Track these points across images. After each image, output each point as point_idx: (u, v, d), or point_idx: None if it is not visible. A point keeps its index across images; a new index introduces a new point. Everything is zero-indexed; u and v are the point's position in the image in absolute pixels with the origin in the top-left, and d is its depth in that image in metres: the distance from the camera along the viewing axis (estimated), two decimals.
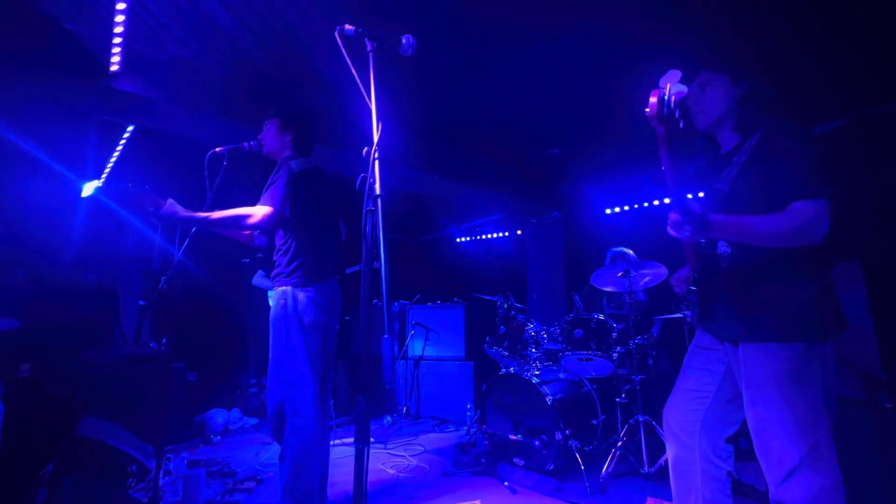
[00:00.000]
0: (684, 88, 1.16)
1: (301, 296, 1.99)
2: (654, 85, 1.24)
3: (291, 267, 2.02)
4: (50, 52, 2.09)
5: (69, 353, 3.13)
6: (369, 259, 1.06)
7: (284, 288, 2.02)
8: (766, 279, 1.34)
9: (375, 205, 1.09)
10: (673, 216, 1.28)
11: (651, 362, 3.06)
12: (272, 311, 2.04)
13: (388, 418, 4.27)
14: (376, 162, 1.10)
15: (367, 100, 1.20)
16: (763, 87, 1.44)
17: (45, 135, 2.57)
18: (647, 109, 1.18)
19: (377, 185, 1.09)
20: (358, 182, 1.11)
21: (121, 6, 1.86)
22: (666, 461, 2.61)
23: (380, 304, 5.09)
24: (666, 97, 1.15)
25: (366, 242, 1.06)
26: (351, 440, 3.75)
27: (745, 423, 1.52)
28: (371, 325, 5.01)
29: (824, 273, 1.32)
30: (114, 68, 2.14)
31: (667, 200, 4.34)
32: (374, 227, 1.08)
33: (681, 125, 1.17)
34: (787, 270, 1.32)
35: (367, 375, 1.16)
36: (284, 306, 1.99)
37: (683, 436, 1.53)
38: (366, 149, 1.13)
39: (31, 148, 2.62)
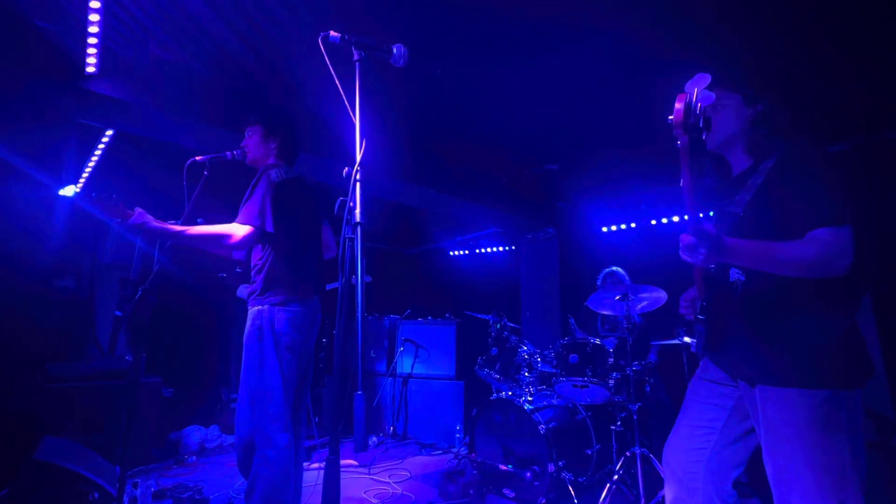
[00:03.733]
0: (712, 95, 1.03)
1: (278, 316, 1.86)
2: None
3: (268, 285, 1.89)
4: (21, 49, 1.96)
5: (34, 365, 2.95)
6: (346, 297, 0.94)
7: (260, 308, 1.88)
8: (784, 313, 1.24)
9: (355, 233, 0.97)
10: (686, 238, 1.16)
11: (648, 389, 2.94)
12: (245, 332, 1.90)
13: (374, 439, 4.11)
14: (358, 184, 0.98)
15: (352, 114, 1.08)
16: (778, 110, 1.35)
17: (18, 137, 2.44)
18: (671, 116, 1.04)
19: (357, 212, 0.96)
20: (336, 206, 0.99)
21: (95, 4, 1.74)
22: (664, 497, 2.49)
23: (369, 318, 4.96)
24: (693, 103, 1.03)
25: (343, 272, 0.94)
26: None
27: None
28: (357, 343, 4.88)
29: (850, 311, 1.22)
30: (90, 70, 2.01)
31: (665, 220, 4.26)
32: (353, 256, 0.96)
33: (703, 136, 1.05)
34: (807, 305, 1.21)
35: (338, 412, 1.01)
36: (259, 328, 1.85)
37: (685, 477, 1.41)
38: (346, 169, 1.01)
39: (4, 150, 2.48)
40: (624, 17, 2.17)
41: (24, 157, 2.46)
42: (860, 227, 1.18)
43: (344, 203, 0.97)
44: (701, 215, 1.16)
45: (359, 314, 0.92)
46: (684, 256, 1.21)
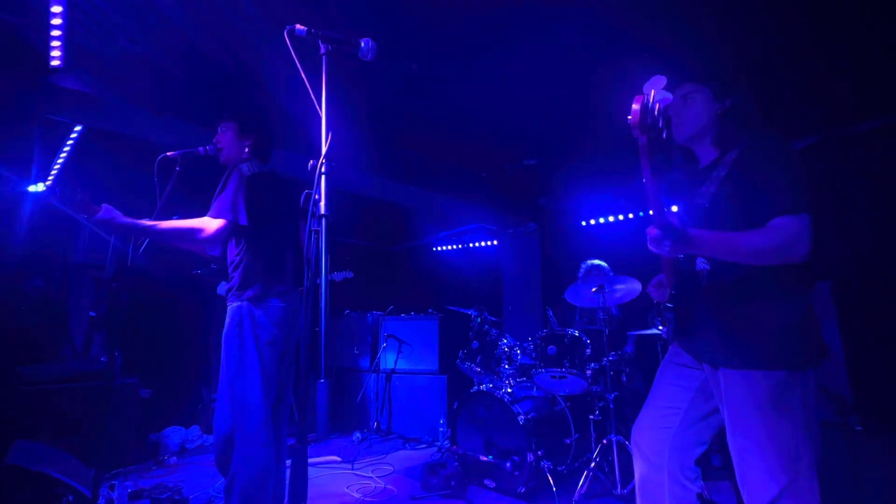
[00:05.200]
0: (669, 96, 1.08)
1: (256, 312, 1.85)
2: (635, 94, 1.16)
3: (245, 281, 1.88)
4: None
5: (5, 368, 2.88)
6: (313, 282, 0.94)
7: (239, 303, 1.87)
8: (746, 299, 1.30)
9: (320, 225, 0.97)
10: (652, 231, 1.22)
11: (625, 379, 3.01)
12: (225, 329, 1.89)
13: (358, 434, 4.11)
14: (323, 177, 0.99)
15: (318, 108, 1.08)
16: (746, 104, 1.40)
17: None
18: (630, 117, 1.08)
19: (322, 204, 0.97)
20: (302, 199, 1.00)
21: None
22: None
23: (352, 314, 4.96)
24: (650, 104, 1.07)
25: (309, 265, 0.95)
26: (317, 459, 3.57)
27: (717, 440, 1.47)
28: (339, 336, 4.86)
29: (807, 296, 1.28)
30: (55, 63, 1.96)
31: (641, 214, 4.35)
32: (318, 249, 0.97)
33: (664, 135, 1.09)
34: (768, 291, 1.27)
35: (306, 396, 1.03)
36: (238, 324, 1.84)
37: (652, 455, 1.47)
38: (311, 162, 1.02)
39: None
40: (598, 11, 2.20)
41: None
42: (821, 217, 1.24)
43: (310, 195, 0.98)
44: (669, 209, 1.21)
45: (322, 304, 0.93)
46: (652, 248, 1.26)
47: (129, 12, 2.02)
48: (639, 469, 1.50)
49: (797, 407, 1.22)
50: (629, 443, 2.66)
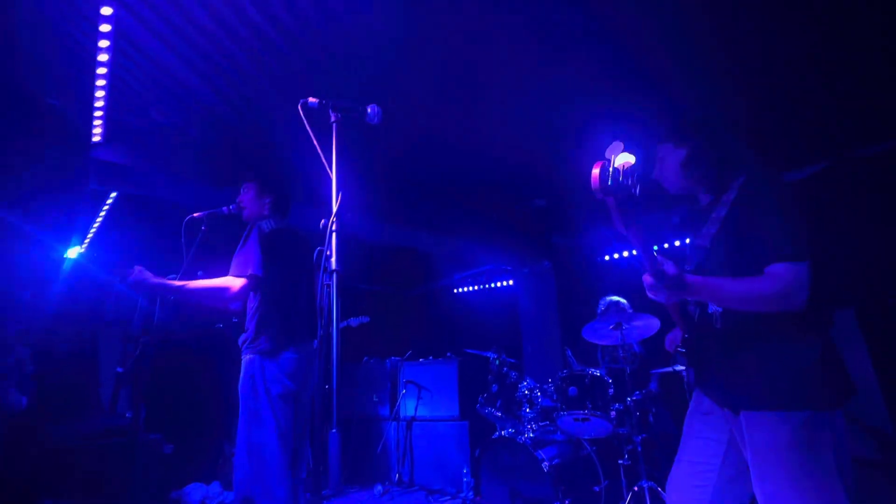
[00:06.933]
0: (631, 158, 1.13)
1: (269, 366, 1.89)
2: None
3: (259, 333, 1.94)
4: (34, 126, 2.12)
5: (34, 428, 2.95)
6: (326, 333, 0.99)
7: (251, 356, 1.92)
8: (762, 340, 1.26)
9: (332, 279, 1.04)
10: (647, 279, 1.23)
11: (652, 419, 2.89)
12: (240, 382, 1.93)
13: (380, 487, 3.99)
14: (334, 234, 1.06)
15: (329, 171, 1.18)
16: (711, 145, 1.42)
17: (31, 205, 2.57)
18: (592, 181, 1.12)
19: (334, 260, 1.04)
20: (315, 255, 1.07)
21: (101, 82, 1.91)
22: None
23: (370, 361, 4.94)
24: (610, 169, 1.12)
25: (322, 317, 1.00)
26: None
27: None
28: (358, 384, 4.82)
29: (824, 333, 1.24)
30: (96, 139, 2.17)
31: (655, 248, 4.32)
32: (331, 302, 1.02)
33: (636, 192, 1.13)
34: (784, 330, 1.23)
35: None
36: (252, 377, 1.88)
37: None
38: (322, 221, 1.10)
39: (17, 219, 2.61)
40: (597, 52, 2.29)
41: (36, 222, 2.59)
42: (838, 242, 1.23)
43: (321, 252, 1.05)
44: (659, 255, 1.22)
45: (334, 355, 0.97)
46: (650, 296, 1.27)
47: (160, 89, 2.23)
48: None
49: (827, 449, 1.15)
50: (661, 489, 2.54)
